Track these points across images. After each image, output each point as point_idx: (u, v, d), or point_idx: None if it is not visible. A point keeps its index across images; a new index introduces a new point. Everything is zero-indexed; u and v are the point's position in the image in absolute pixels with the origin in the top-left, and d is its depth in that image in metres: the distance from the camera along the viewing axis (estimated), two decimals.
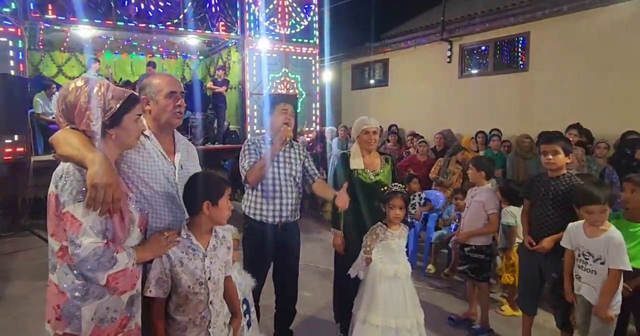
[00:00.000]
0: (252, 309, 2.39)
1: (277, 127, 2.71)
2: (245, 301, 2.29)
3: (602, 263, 2.39)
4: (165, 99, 1.85)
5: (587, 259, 2.46)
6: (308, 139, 8.39)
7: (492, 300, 3.84)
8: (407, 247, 4.88)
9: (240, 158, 2.77)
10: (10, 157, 5.84)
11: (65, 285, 1.46)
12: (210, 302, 1.75)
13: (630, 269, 2.37)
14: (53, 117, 6.42)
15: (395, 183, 2.82)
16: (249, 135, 7.98)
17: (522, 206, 3.17)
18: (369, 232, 2.70)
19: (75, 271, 1.46)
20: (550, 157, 2.74)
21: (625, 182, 2.78)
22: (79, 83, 1.52)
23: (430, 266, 4.70)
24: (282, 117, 2.72)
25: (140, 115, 1.63)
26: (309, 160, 2.90)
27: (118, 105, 1.52)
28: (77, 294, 1.46)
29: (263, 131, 7.72)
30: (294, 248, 2.89)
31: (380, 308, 2.54)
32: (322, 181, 2.91)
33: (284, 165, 2.75)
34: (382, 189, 2.74)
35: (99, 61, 8.13)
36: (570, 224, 2.59)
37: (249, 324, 2.29)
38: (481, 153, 6.49)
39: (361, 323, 2.59)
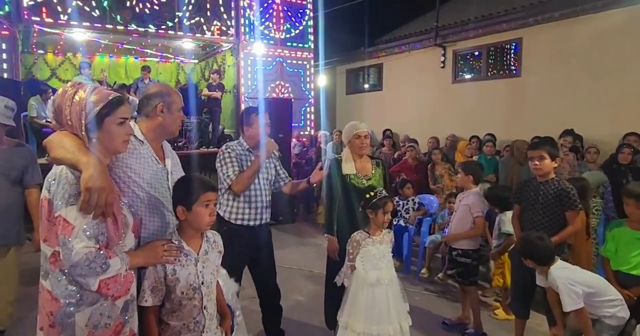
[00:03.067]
0: (238, 312, 2.40)
1: (255, 137, 2.86)
2: (227, 306, 2.29)
3: None
4: (178, 112, 1.98)
5: None
6: (300, 143, 8.39)
7: (486, 304, 3.86)
8: (400, 250, 4.83)
9: (220, 165, 2.82)
10: None
11: (58, 292, 1.44)
12: (205, 307, 1.74)
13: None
14: (47, 121, 6.37)
15: (381, 188, 2.79)
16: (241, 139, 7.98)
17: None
18: (349, 240, 2.66)
19: (68, 277, 1.44)
20: (537, 162, 2.79)
21: (627, 197, 2.82)
22: (68, 87, 1.53)
23: (424, 270, 4.72)
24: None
25: (125, 118, 1.58)
26: (279, 164, 3.09)
27: (98, 108, 1.50)
28: (71, 300, 1.44)
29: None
30: (270, 246, 3.06)
31: (362, 314, 2.52)
32: (291, 181, 3.13)
33: (264, 171, 2.92)
34: (368, 195, 2.65)
35: (90, 65, 8.12)
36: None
37: (231, 329, 2.29)
38: (475, 158, 6.52)
39: (343, 329, 2.58)
